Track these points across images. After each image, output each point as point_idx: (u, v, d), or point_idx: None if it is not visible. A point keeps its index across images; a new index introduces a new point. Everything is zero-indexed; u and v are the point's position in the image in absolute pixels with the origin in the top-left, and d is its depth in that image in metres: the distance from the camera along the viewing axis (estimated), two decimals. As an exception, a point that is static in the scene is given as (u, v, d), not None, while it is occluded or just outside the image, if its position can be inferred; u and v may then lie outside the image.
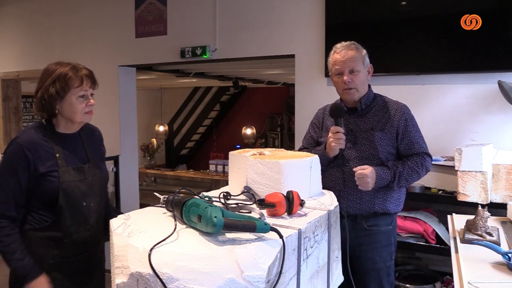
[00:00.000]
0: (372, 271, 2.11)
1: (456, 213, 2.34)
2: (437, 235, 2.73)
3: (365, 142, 2.14)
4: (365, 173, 2.00)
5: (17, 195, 1.69)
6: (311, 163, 1.76)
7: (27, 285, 1.69)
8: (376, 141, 2.11)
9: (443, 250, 2.64)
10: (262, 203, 1.48)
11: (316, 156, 1.81)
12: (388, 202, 2.15)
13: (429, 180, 2.69)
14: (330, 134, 2.10)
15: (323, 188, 1.95)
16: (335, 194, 2.09)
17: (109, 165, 4.20)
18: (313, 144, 2.33)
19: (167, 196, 1.44)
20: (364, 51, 2.18)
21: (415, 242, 2.71)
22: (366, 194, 2.11)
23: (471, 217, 1.99)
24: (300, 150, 2.38)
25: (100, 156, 1.99)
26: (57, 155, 1.76)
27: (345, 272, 1.94)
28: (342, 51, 2.15)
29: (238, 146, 8.73)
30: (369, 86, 2.23)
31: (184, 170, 7.84)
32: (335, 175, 2.18)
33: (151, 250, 1.15)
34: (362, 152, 2.14)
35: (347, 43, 2.18)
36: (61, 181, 1.73)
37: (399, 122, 2.14)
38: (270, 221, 1.36)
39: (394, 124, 2.14)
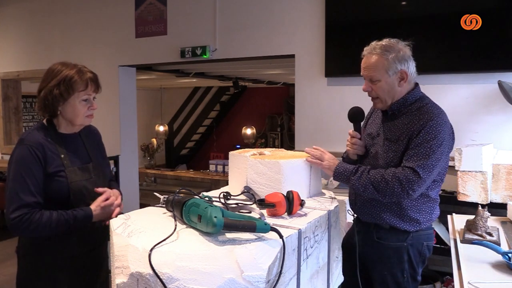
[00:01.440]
0: (382, 283, 1.99)
1: (456, 213, 2.34)
2: (437, 235, 2.73)
3: (379, 150, 1.95)
4: (324, 154, 1.88)
5: (36, 189, 1.69)
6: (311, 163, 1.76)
7: (94, 217, 1.76)
8: (385, 152, 1.91)
9: (443, 250, 2.65)
10: (262, 203, 1.48)
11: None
12: (397, 218, 1.90)
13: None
14: (348, 138, 2.02)
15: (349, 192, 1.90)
16: (351, 198, 2.07)
17: (110, 164, 4.20)
18: None
19: (167, 196, 1.44)
20: (393, 55, 1.86)
21: (415, 242, 2.71)
22: (373, 205, 1.94)
23: (471, 217, 2.00)
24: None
25: (101, 155, 2.00)
26: (62, 156, 1.77)
27: (354, 277, 1.93)
28: (365, 55, 1.93)
29: (238, 146, 8.73)
30: (415, 87, 1.95)
31: (184, 170, 7.84)
32: None
33: (151, 250, 1.15)
34: (374, 160, 1.96)
35: (376, 44, 1.91)
36: (69, 181, 1.75)
37: (412, 133, 1.83)
38: (270, 221, 1.36)
39: (408, 135, 1.84)
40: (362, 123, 2.08)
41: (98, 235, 1.85)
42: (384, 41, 1.91)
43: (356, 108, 2.02)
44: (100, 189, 1.81)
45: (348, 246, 1.99)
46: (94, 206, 1.77)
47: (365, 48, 1.94)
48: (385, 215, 1.91)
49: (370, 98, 1.97)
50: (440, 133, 1.80)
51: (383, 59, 1.87)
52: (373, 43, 1.92)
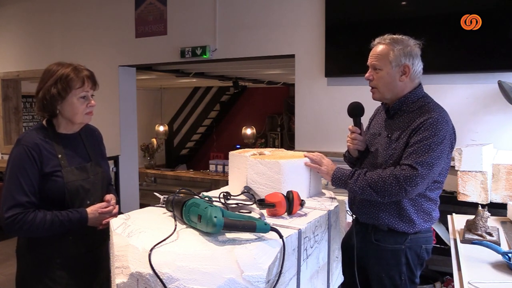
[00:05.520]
0: (379, 285, 1.97)
1: (456, 213, 2.34)
2: (437, 235, 2.74)
3: (379, 148, 1.93)
4: (322, 159, 1.86)
5: (30, 188, 1.70)
6: (311, 163, 1.76)
7: (89, 221, 1.77)
8: (384, 149, 1.90)
9: (443, 250, 2.65)
10: (262, 203, 1.48)
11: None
12: (395, 218, 1.87)
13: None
14: (348, 134, 2.01)
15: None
16: (350, 198, 2.06)
17: (109, 165, 4.21)
18: None
19: (167, 196, 1.44)
20: (400, 48, 1.86)
21: (415, 242, 2.71)
22: (372, 204, 1.90)
23: (471, 217, 2.00)
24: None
25: (101, 155, 2.01)
26: (59, 156, 1.77)
27: (352, 277, 1.92)
28: (374, 45, 1.94)
29: (238, 146, 8.73)
30: (418, 87, 1.92)
31: (184, 170, 7.84)
32: None
33: (151, 250, 1.15)
34: (373, 159, 1.95)
35: (387, 36, 1.92)
36: (65, 181, 1.75)
37: (412, 130, 1.81)
38: (270, 221, 1.36)
39: (408, 132, 1.82)
40: (366, 123, 2.07)
41: (96, 236, 1.85)
42: (396, 35, 1.92)
43: (355, 103, 2.01)
44: (107, 196, 1.84)
45: (347, 246, 1.99)
46: (91, 210, 1.77)
47: (376, 38, 1.94)
48: (383, 215, 1.88)
49: (370, 88, 1.95)
50: (441, 131, 1.77)
51: (389, 49, 1.87)
52: (385, 35, 1.93)
